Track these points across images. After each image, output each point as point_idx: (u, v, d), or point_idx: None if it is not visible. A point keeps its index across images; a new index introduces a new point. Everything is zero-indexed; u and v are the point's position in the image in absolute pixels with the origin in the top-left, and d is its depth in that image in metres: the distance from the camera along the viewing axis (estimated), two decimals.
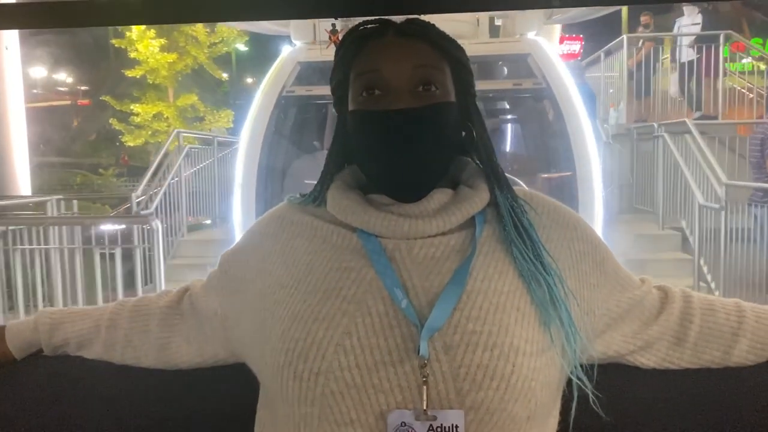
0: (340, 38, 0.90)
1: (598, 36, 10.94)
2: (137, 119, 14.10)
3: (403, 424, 0.72)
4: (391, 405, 0.72)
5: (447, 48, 0.84)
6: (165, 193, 6.19)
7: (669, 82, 8.53)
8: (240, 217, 4.57)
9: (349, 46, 0.85)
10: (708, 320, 0.89)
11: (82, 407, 0.99)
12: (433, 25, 0.84)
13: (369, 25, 0.85)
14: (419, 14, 0.88)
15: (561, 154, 4.66)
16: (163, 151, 6.44)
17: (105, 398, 1.00)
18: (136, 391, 0.99)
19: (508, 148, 6.22)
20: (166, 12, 1.05)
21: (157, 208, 5.86)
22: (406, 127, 0.80)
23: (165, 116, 14.06)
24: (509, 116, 6.13)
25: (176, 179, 6.49)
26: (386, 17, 0.86)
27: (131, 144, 14.49)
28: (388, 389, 0.73)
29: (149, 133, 14.05)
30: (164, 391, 0.99)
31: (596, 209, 4.37)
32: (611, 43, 8.61)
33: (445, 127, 0.82)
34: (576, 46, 13.35)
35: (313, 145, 5.37)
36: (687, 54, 8.12)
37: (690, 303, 0.90)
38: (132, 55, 13.33)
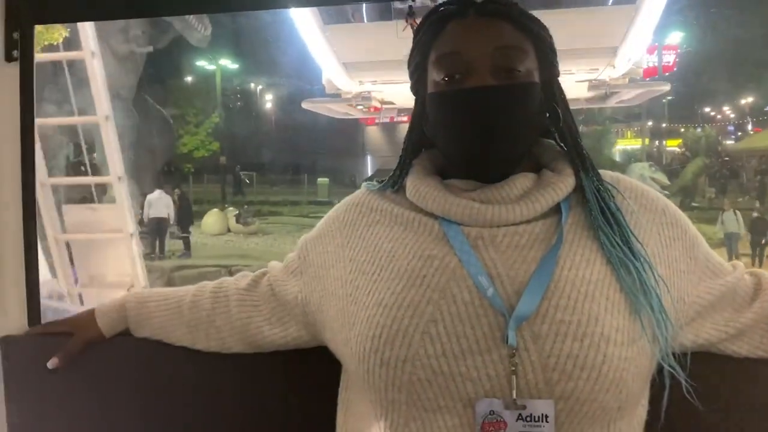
0: (417, 21, 0.88)
1: None
2: None
3: (492, 413, 0.72)
4: (479, 393, 0.72)
5: (530, 27, 0.81)
6: None
7: None
8: None
9: (428, 28, 0.83)
10: None
11: (167, 394, 1.03)
12: (516, 3, 0.82)
13: (449, 6, 0.83)
14: None
15: None
16: None
17: (187, 384, 1.03)
18: (217, 377, 1.02)
19: None
20: None
21: None
22: (487, 105, 0.77)
23: None
24: None
25: None
26: None
27: None
28: (476, 378, 0.72)
29: None
30: (247, 376, 1.01)
31: None
32: None
33: (527, 107, 0.80)
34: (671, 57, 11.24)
35: None
36: None
37: None
38: None
